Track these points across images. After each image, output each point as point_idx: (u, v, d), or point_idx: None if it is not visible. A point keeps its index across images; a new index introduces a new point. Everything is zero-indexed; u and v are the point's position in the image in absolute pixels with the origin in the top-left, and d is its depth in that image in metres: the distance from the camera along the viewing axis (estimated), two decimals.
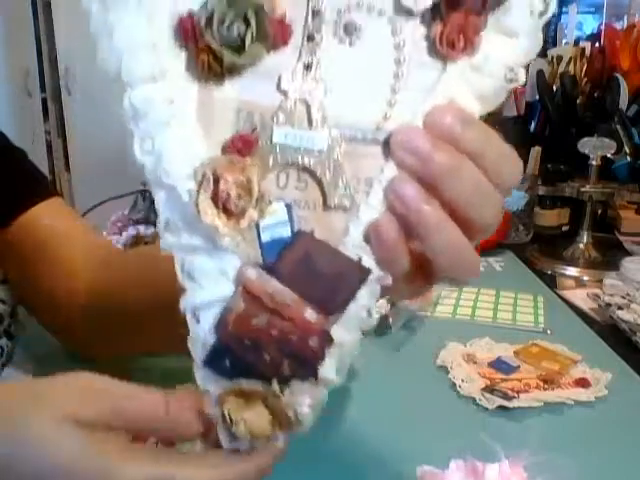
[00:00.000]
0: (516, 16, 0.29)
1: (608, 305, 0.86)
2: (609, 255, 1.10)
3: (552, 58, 1.26)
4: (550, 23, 1.88)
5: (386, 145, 0.29)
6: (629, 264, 0.98)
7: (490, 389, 0.64)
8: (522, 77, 0.29)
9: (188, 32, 0.27)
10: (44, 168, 2.54)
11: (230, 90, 0.28)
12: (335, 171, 0.30)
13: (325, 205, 0.30)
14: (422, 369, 0.70)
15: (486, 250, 1.11)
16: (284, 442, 0.32)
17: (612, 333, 0.81)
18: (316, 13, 0.28)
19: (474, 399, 0.63)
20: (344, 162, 0.30)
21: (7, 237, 0.61)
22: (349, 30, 0.29)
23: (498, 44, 0.29)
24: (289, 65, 0.29)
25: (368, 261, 0.30)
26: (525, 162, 1.21)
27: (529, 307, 0.89)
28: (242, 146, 0.28)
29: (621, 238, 1.20)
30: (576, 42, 1.35)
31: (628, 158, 1.13)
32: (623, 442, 0.58)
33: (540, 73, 1.24)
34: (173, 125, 0.28)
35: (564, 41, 1.43)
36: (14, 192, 0.62)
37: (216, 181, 0.27)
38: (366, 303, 0.31)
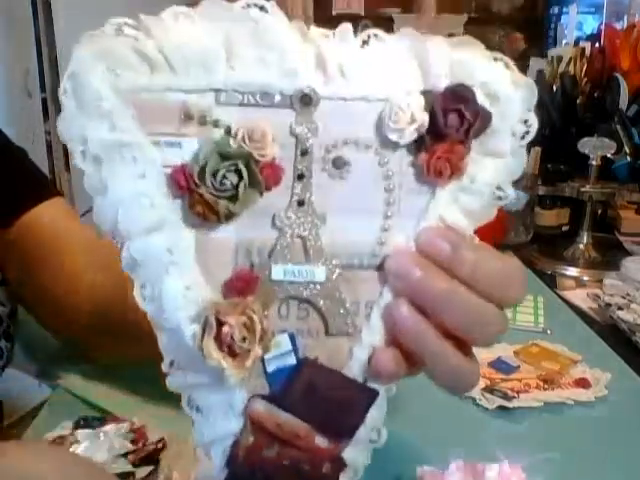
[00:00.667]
0: (500, 139, 0.30)
1: (608, 305, 0.86)
2: (609, 255, 1.10)
3: (552, 58, 1.26)
4: (550, 23, 1.88)
5: (381, 270, 0.30)
6: (629, 264, 0.98)
7: (490, 389, 0.64)
8: (511, 194, 0.31)
9: (182, 184, 0.28)
10: (44, 168, 2.54)
11: (227, 232, 0.29)
12: (334, 299, 0.30)
13: (327, 332, 0.30)
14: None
15: None
16: None
17: (612, 333, 0.81)
18: (304, 152, 0.29)
19: (474, 399, 0.63)
20: (343, 289, 0.30)
21: (9, 237, 0.61)
22: (338, 165, 0.29)
23: (484, 165, 0.30)
24: (283, 203, 0.29)
25: (374, 382, 0.31)
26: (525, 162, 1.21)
27: (529, 307, 0.89)
28: (242, 286, 0.29)
29: (621, 238, 1.20)
30: (576, 42, 1.35)
31: (628, 158, 1.13)
32: (623, 442, 0.58)
33: (540, 73, 1.24)
34: (172, 272, 0.28)
35: (564, 41, 1.43)
36: (16, 192, 0.62)
37: (219, 324, 0.28)
38: (376, 424, 0.32)
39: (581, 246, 1.12)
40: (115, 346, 0.62)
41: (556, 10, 1.90)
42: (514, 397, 0.62)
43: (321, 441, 0.30)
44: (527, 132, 0.30)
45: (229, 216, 0.28)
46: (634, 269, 0.96)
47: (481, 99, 0.29)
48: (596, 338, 0.80)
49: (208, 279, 0.29)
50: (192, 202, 0.28)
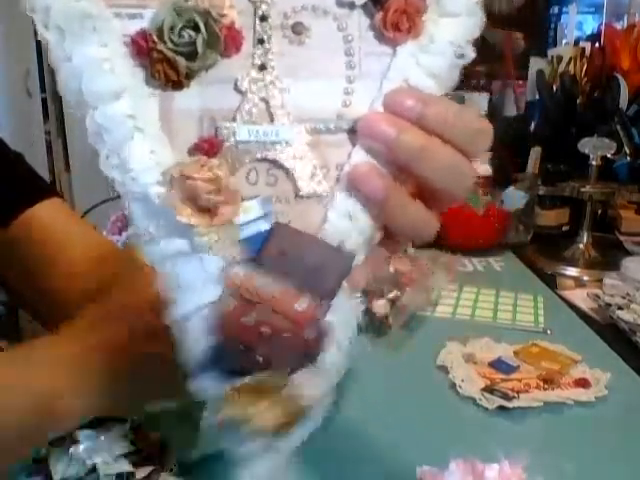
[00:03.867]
0: None
1: (608, 305, 0.86)
2: (609, 255, 1.10)
3: (552, 58, 1.26)
4: (550, 23, 1.87)
5: (351, 132, 0.30)
6: (629, 264, 0.98)
7: (490, 389, 0.64)
8: (470, 53, 0.31)
9: (142, 47, 0.28)
10: (44, 168, 2.54)
11: (190, 99, 0.29)
12: (303, 161, 0.30)
13: (298, 196, 0.31)
14: (422, 369, 0.70)
15: (486, 250, 1.11)
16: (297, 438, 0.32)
17: (612, 333, 0.81)
18: (263, 18, 0.30)
19: (474, 399, 0.63)
20: (311, 152, 0.30)
21: (7, 236, 0.61)
22: (297, 30, 0.30)
23: (442, 25, 0.31)
24: (244, 68, 0.30)
25: (350, 244, 0.30)
26: (525, 162, 1.21)
27: (529, 307, 0.89)
28: (208, 148, 0.29)
29: (621, 238, 1.20)
30: (576, 42, 1.35)
31: (628, 158, 1.13)
32: (623, 442, 0.58)
33: (540, 73, 1.24)
34: (137, 138, 0.29)
35: (564, 41, 1.43)
36: (14, 191, 0.63)
37: (184, 180, 0.28)
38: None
39: (581, 246, 1.12)
40: None
41: (556, 10, 1.90)
42: (514, 397, 0.62)
43: (299, 304, 0.30)
44: None
45: (189, 75, 0.29)
46: (634, 269, 0.96)
47: None
48: (596, 338, 0.80)
49: (173, 145, 0.29)
50: (152, 62, 0.28)
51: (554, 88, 1.23)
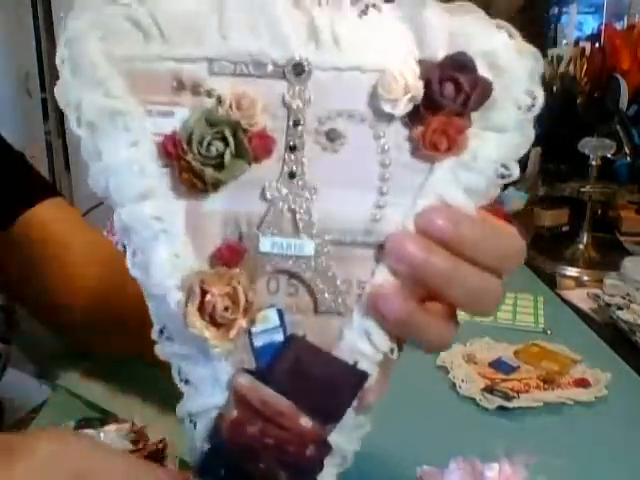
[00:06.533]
0: (503, 112, 0.28)
1: (608, 305, 0.86)
2: (609, 255, 1.10)
3: (552, 58, 1.26)
4: (550, 23, 1.88)
5: (378, 249, 0.29)
6: (629, 264, 0.98)
7: (490, 389, 0.64)
8: (515, 172, 0.29)
9: (171, 152, 0.28)
10: (44, 168, 2.54)
11: (216, 202, 0.29)
12: (324, 276, 0.29)
13: (316, 310, 0.30)
14: (422, 369, 0.70)
15: None
16: None
17: (612, 333, 0.81)
18: (297, 123, 0.28)
19: (474, 399, 0.63)
20: (334, 266, 0.29)
21: (10, 237, 0.61)
22: (332, 137, 0.28)
23: (487, 140, 0.28)
24: (273, 174, 0.29)
25: (365, 364, 0.29)
26: (525, 162, 1.21)
27: (529, 307, 0.89)
28: (229, 256, 0.29)
29: (621, 238, 1.20)
30: (576, 42, 1.35)
31: (628, 158, 1.13)
32: (623, 442, 0.58)
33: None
34: (162, 239, 0.28)
35: (564, 41, 1.43)
36: (15, 191, 0.63)
37: (203, 293, 0.27)
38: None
39: (581, 246, 1.12)
40: (115, 343, 0.62)
41: (556, 10, 1.90)
42: (514, 397, 0.62)
43: (305, 421, 0.29)
44: (533, 105, 0.29)
45: (216, 185, 0.28)
46: (634, 269, 0.96)
47: (483, 70, 0.28)
48: (596, 338, 0.80)
49: (196, 249, 0.29)
50: (180, 170, 0.28)
51: (554, 88, 1.23)
